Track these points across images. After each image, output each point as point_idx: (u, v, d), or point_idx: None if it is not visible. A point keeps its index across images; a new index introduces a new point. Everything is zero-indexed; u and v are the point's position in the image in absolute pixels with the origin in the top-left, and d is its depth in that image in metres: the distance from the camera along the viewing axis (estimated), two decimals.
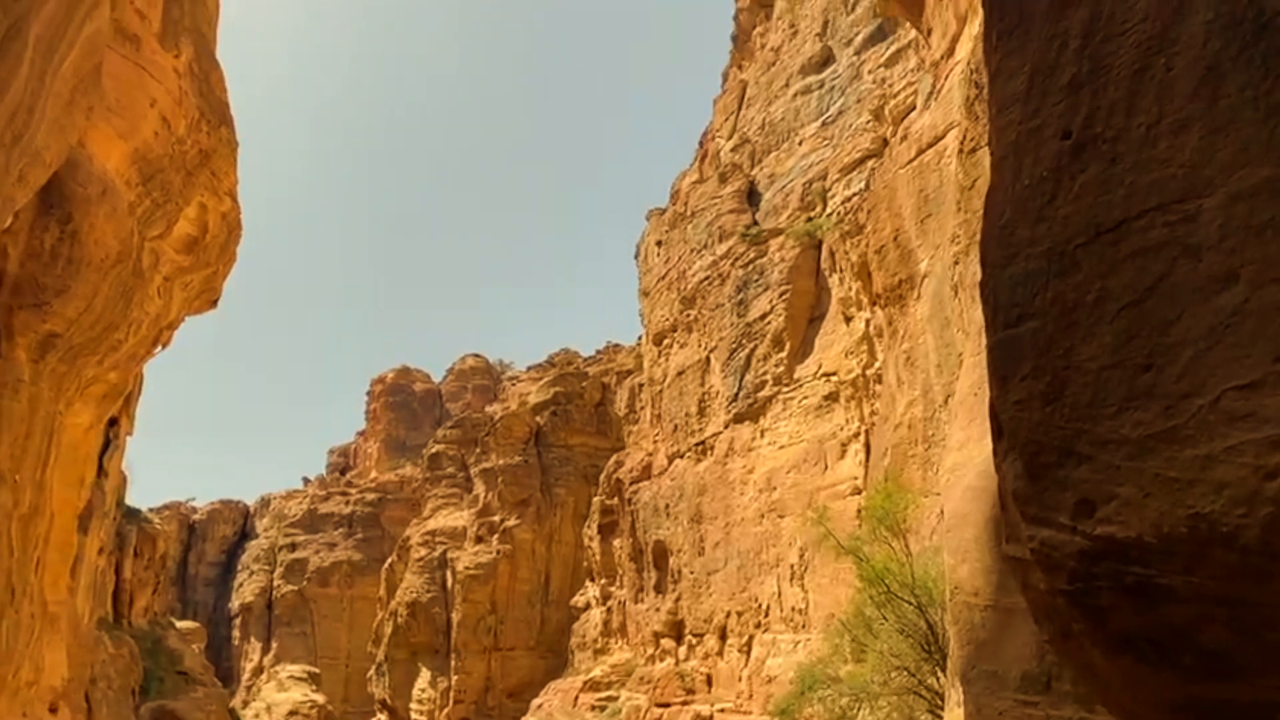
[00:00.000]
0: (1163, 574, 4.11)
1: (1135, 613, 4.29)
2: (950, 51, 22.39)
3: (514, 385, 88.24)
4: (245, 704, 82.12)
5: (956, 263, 15.36)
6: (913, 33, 32.18)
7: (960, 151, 13.34)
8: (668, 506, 47.72)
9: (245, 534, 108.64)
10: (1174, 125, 4.27)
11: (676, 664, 44.94)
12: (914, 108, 30.44)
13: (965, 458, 11.98)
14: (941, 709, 15.23)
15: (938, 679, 17.51)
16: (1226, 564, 3.88)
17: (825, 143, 42.38)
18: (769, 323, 40.73)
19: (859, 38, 42.20)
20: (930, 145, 25.02)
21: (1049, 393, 4.67)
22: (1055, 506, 4.58)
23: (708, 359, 45.85)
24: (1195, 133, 4.18)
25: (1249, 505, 3.77)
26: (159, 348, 23.96)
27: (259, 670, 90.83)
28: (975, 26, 17.41)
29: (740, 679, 38.65)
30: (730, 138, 51.37)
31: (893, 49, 37.86)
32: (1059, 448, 4.58)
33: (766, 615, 37.71)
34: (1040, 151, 4.96)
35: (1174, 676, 4.30)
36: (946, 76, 22.91)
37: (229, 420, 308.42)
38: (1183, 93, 4.24)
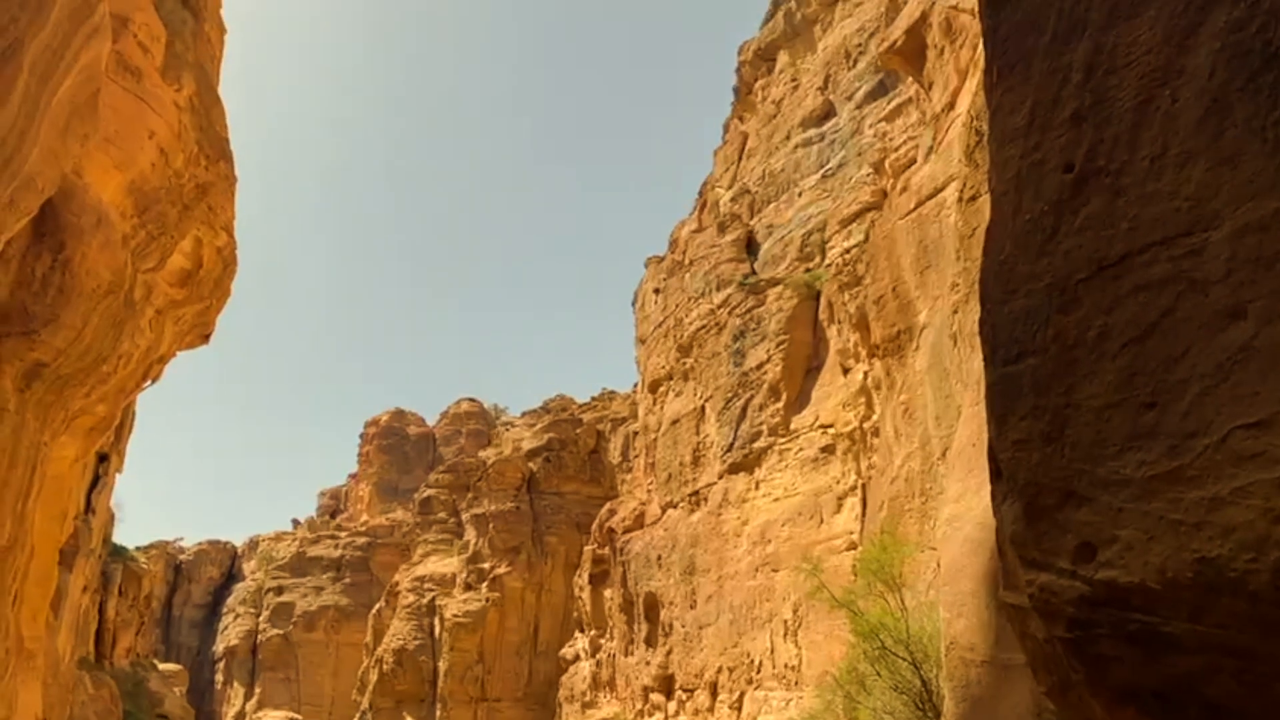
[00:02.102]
0: (1167, 622, 3.93)
1: (1138, 663, 4.11)
2: (951, 105, 22.54)
3: (508, 430, 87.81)
4: None
5: (956, 312, 15.29)
6: (914, 88, 32.49)
7: (960, 200, 13.32)
8: (660, 557, 47.19)
9: (232, 576, 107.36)
10: (1179, 158, 4.17)
11: (666, 719, 44.15)
12: (914, 161, 30.61)
13: (963, 509, 11.76)
14: None
15: None
16: (1234, 612, 3.71)
17: (825, 195, 42.60)
18: (765, 373, 40.59)
19: (860, 92, 42.64)
20: (930, 196, 25.09)
21: (1049, 432, 4.52)
22: (1055, 550, 4.41)
23: (703, 408, 45.64)
24: (1201, 165, 4.08)
25: (1258, 550, 3.61)
26: (149, 381, 23.75)
27: (241, 716, 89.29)
28: (976, 80, 17.51)
29: None
30: (730, 188, 51.69)
31: (894, 103, 38.17)
32: (1059, 489, 4.43)
33: (759, 671, 37.09)
34: (1041, 185, 4.87)
35: None
36: (947, 129, 23.04)
37: (220, 459, 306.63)
38: (1188, 125, 4.15)
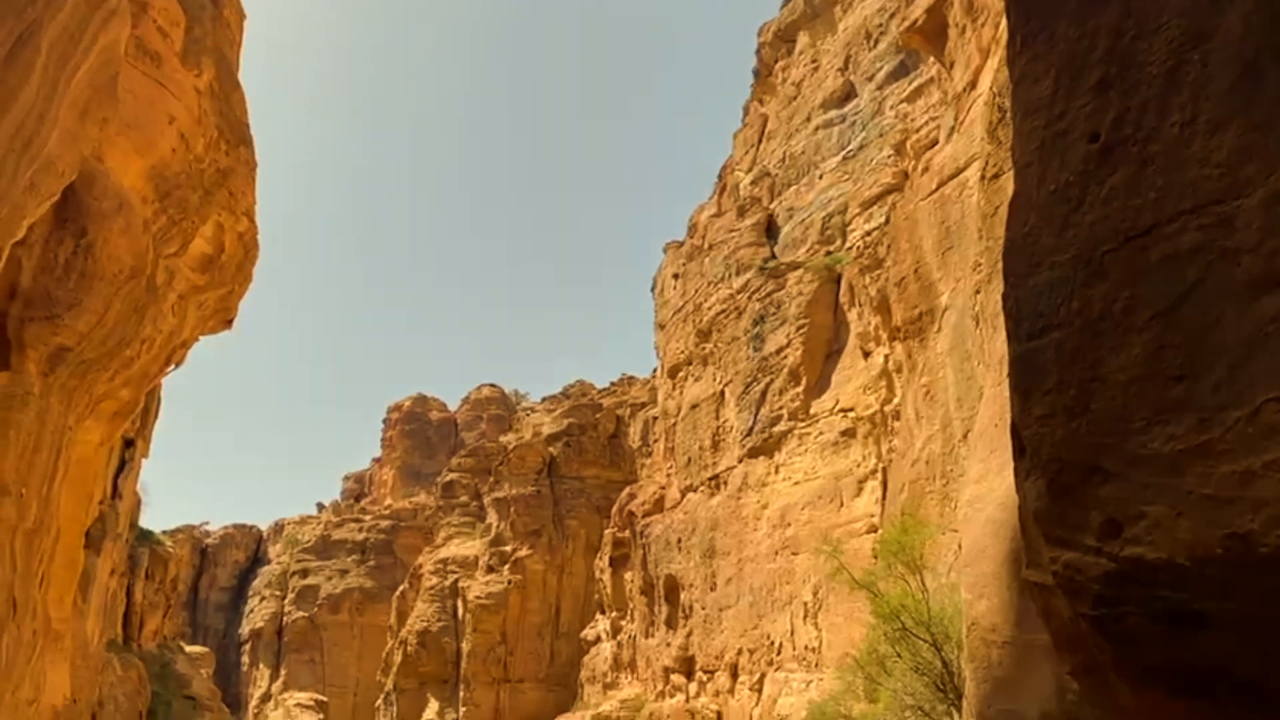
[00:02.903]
0: (1196, 599, 3.85)
1: (1166, 641, 4.03)
2: (973, 84, 22.29)
3: (528, 415, 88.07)
4: None
5: (978, 292, 15.14)
6: (935, 68, 32.16)
7: (983, 178, 13.16)
8: (680, 540, 47.27)
9: (258, 559, 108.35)
10: (1210, 124, 4.06)
11: (687, 701, 44.28)
12: (936, 142, 30.31)
13: (985, 490, 11.66)
14: None
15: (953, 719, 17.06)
16: (1266, 588, 3.63)
17: (846, 177, 42.30)
18: (785, 357, 40.44)
19: (881, 73, 42.25)
20: (952, 177, 24.84)
21: (1074, 407, 4.43)
22: (1080, 527, 4.33)
23: (722, 393, 45.56)
24: (1233, 131, 3.96)
25: None
26: (172, 366, 23.90)
27: (267, 697, 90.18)
28: (998, 58, 17.29)
29: (751, 718, 38.01)
30: (750, 171, 51.41)
31: (915, 84, 37.83)
32: (1084, 465, 4.34)
33: (779, 653, 37.13)
34: (1066, 155, 4.76)
35: (1208, 712, 4.02)
36: (969, 109, 22.79)
37: (244, 445, 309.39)
38: (1219, 89, 4.04)
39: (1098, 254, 4.43)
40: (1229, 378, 3.77)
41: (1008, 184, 10.54)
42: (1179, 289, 4.03)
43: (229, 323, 25.86)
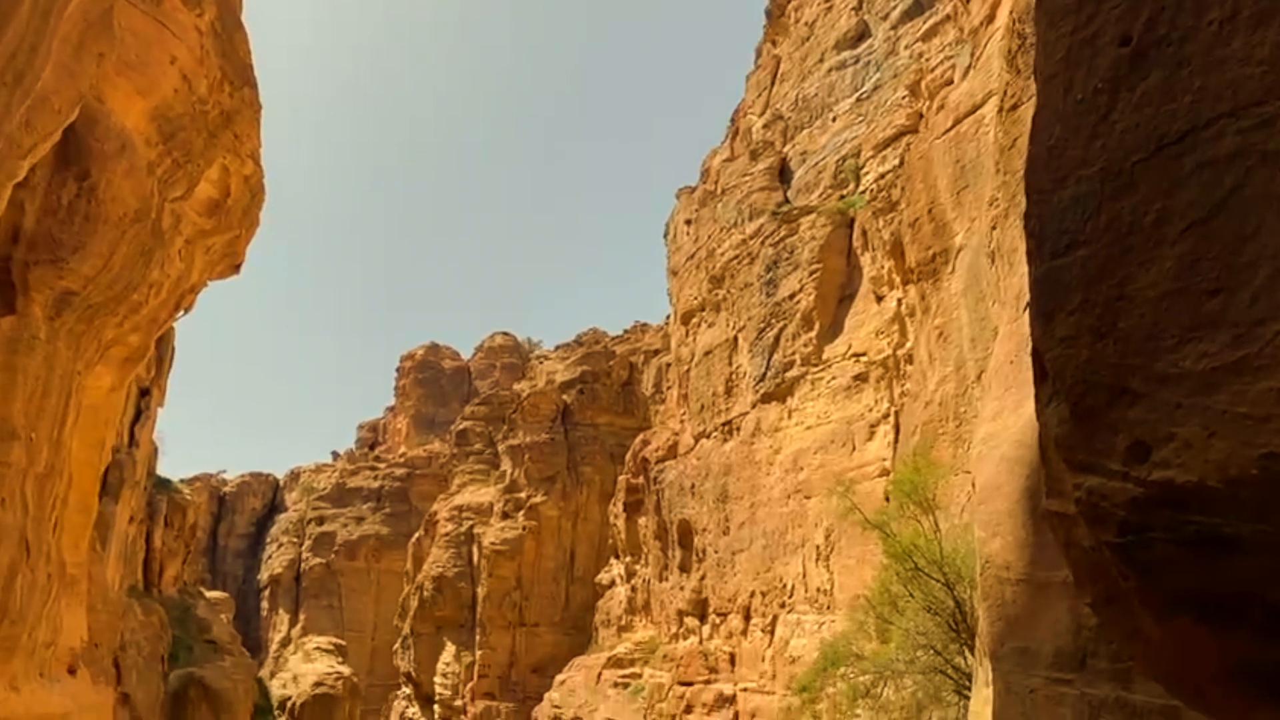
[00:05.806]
0: (1228, 523, 3.67)
1: (1194, 568, 3.85)
2: (990, 18, 21.73)
3: (542, 363, 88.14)
4: (272, 674, 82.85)
5: (994, 228, 14.81)
6: (951, 4, 31.42)
7: (1000, 110, 12.79)
8: (693, 486, 47.41)
9: (275, 507, 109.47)
10: (1252, 18, 3.79)
11: (700, 643, 44.71)
12: (951, 82, 29.69)
13: (999, 428, 11.48)
14: (968, 689, 14.79)
15: (965, 659, 17.07)
16: None
17: (860, 119, 41.61)
18: (798, 302, 40.15)
19: (895, 12, 41.37)
20: (968, 114, 24.32)
21: (1100, 326, 4.22)
22: (1105, 451, 4.13)
23: (735, 339, 45.36)
24: (1277, 25, 3.70)
25: None
26: (181, 311, 23.77)
27: (286, 641, 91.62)
28: None
29: (764, 659, 38.36)
30: (763, 114, 50.66)
31: (930, 22, 37.01)
32: (1110, 386, 4.13)
33: (791, 596, 37.35)
34: (1095, 62, 4.49)
35: (1239, 639, 3.86)
36: (986, 44, 22.24)
37: (260, 394, 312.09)
38: None
39: (1128, 164, 4.19)
40: (1268, 289, 3.56)
41: (1027, 114, 10.21)
42: (1215, 197, 3.80)
43: (237, 268, 25.68)
